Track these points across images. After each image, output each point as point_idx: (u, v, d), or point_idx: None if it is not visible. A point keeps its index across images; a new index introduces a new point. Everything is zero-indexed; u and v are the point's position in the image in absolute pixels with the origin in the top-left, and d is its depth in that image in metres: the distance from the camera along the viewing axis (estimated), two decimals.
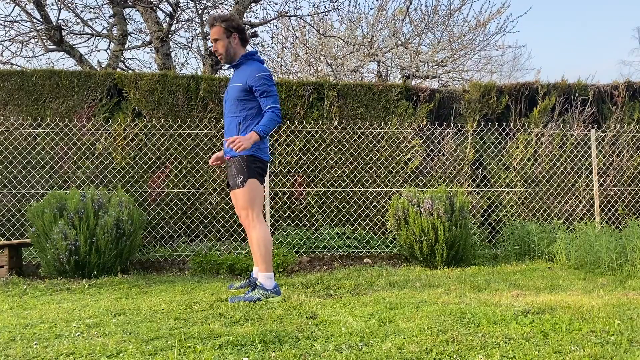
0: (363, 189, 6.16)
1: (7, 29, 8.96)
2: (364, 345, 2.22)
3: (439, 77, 11.42)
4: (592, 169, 6.31)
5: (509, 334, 2.35)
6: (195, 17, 9.56)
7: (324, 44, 10.68)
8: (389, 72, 11.47)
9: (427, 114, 6.46)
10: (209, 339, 2.31)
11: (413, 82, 10.16)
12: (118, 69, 9.38)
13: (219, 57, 3.58)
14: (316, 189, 6.08)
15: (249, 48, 3.78)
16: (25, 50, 11.34)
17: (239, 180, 3.39)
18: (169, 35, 9.08)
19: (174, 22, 9.23)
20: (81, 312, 3.02)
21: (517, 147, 6.50)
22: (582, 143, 6.49)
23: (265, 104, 3.35)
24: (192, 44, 10.46)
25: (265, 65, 3.56)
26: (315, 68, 11.17)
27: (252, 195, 3.40)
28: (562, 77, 7.81)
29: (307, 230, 5.97)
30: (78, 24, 9.55)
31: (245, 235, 5.72)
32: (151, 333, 2.45)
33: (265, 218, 5.66)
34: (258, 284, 3.38)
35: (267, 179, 5.67)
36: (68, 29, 9.50)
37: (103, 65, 9.26)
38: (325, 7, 15.81)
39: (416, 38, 10.86)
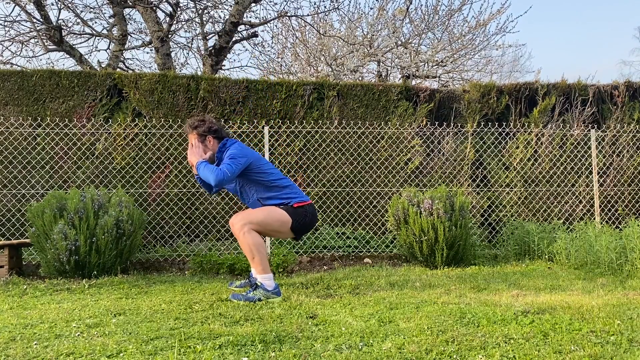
0: (363, 189, 6.16)
1: (7, 29, 8.97)
2: (364, 345, 2.22)
3: (439, 77, 11.42)
4: (592, 169, 6.31)
5: (509, 334, 2.35)
6: (195, 17, 9.56)
7: (324, 44, 10.68)
8: (389, 72, 11.47)
9: (427, 114, 6.46)
10: (209, 339, 2.31)
11: (413, 82, 10.16)
12: (118, 69, 9.38)
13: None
14: (316, 189, 6.08)
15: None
16: (25, 50, 11.35)
17: (278, 204, 3.49)
18: (169, 35, 9.08)
19: (174, 22, 9.23)
20: (81, 312, 3.02)
21: (517, 147, 6.50)
22: (582, 143, 6.49)
23: (225, 162, 3.41)
24: (192, 44, 10.47)
25: (238, 143, 3.59)
26: (315, 68, 11.17)
27: (272, 221, 3.43)
28: (562, 77, 7.81)
29: None
30: (78, 24, 9.56)
31: None
32: (151, 333, 2.45)
33: None
34: (259, 284, 3.38)
35: None
36: (68, 29, 9.50)
37: (103, 65, 9.26)
38: (325, 7, 15.82)
39: (416, 38, 10.86)
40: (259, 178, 3.50)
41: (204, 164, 3.41)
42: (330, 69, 10.63)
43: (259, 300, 3.28)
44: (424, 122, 6.41)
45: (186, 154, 5.86)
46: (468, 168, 6.39)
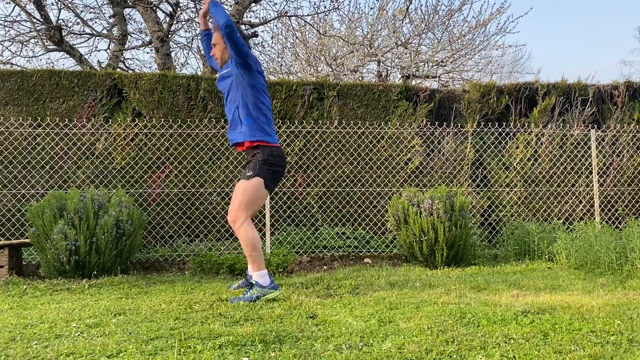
0: (363, 189, 6.16)
1: (7, 29, 8.96)
2: (364, 345, 2.22)
3: (439, 77, 11.42)
4: (592, 169, 6.31)
5: (509, 334, 2.35)
6: (195, 17, 9.55)
7: (324, 44, 10.68)
8: (389, 72, 11.47)
9: (427, 114, 6.46)
10: (209, 339, 2.31)
11: (413, 82, 10.16)
12: (118, 69, 9.38)
13: (215, 61, 3.62)
14: (316, 189, 6.08)
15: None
16: (25, 50, 11.35)
17: (247, 174, 3.42)
18: (169, 35, 9.07)
19: (174, 22, 9.23)
20: (81, 312, 3.02)
21: (517, 147, 6.50)
22: (582, 143, 6.49)
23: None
24: (192, 44, 10.47)
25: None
26: (315, 68, 11.17)
27: (251, 195, 3.41)
28: (562, 77, 7.80)
29: (307, 230, 5.97)
30: (78, 24, 9.55)
31: None
32: (151, 333, 2.45)
33: (265, 218, 5.66)
34: (254, 282, 3.37)
35: None
36: (68, 29, 9.50)
37: (103, 65, 9.26)
38: (325, 7, 15.82)
39: (416, 38, 10.86)
40: (256, 88, 3.45)
41: (219, 4, 3.36)
42: (330, 69, 10.63)
43: (257, 298, 3.28)
44: (424, 122, 6.41)
45: (186, 154, 5.87)
46: (468, 168, 6.39)
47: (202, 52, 9.72)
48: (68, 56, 9.26)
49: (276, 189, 6.02)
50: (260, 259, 3.41)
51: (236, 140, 3.51)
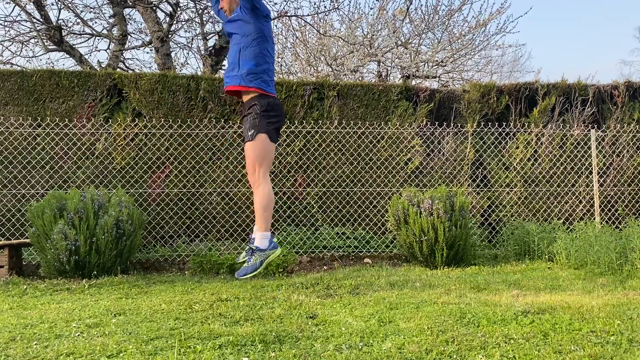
0: (363, 189, 6.16)
1: (7, 29, 8.96)
2: (364, 345, 2.22)
3: (439, 77, 11.41)
4: (592, 169, 6.31)
5: (509, 334, 2.35)
6: (195, 17, 9.56)
7: (324, 44, 10.68)
8: (389, 72, 11.47)
9: (427, 114, 6.46)
10: (209, 339, 2.31)
11: (413, 82, 10.16)
12: (118, 69, 9.38)
13: (225, 13, 3.56)
14: (316, 189, 6.08)
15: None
16: (25, 50, 11.35)
17: (249, 134, 3.37)
18: (169, 35, 9.07)
19: (174, 22, 9.23)
20: (81, 312, 3.02)
21: (517, 147, 6.50)
22: (582, 143, 6.49)
23: None
24: (192, 44, 10.47)
25: None
26: (315, 68, 11.17)
27: (260, 151, 3.32)
28: (562, 77, 7.80)
29: (307, 230, 5.97)
30: (78, 24, 9.55)
31: (245, 235, 5.73)
32: (151, 333, 2.45)
33: None
34: (254, 247, 3.33)
35: None
36: (68, 29, 9.50)
37: (103, 65, 9.26)
38: (325, 7, 15.81)
39: (416, 38, 10.85)
40: (262, 34, 3.34)
41: None
42: (330, 69, 10.63)
43: (261, 264, 3.20)
44: (424, 122, 6.41)
45: (186, 154, 5.87)
46: (468, 168, 6.39)
47: (202, 52, 9.73)
48: (68, 56, 9.26)
49: (276, 189, 6.03)
50: (269, 218, 3.33)
51: (231, 83, 3.36)
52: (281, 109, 3.47)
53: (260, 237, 3.31)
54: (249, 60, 3.33)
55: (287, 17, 9.80)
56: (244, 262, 3.63)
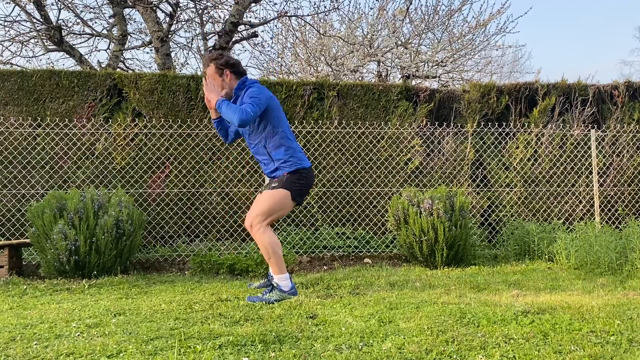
0: (363, 189, 6.16)
1: (7, 29, 8.96)
2: (364, 345, 2.22)
3: (439, 77, 11.42)
4: (592, 169, 6.31)
5: (509, 334, 2.35)
6: (195, 17, 9.56)
7: (324, 44, 10.68)
8: (389, 72, 11.47)
9: (427, 114, 6.46)
10: (209, 339, 2.31)
11: (413, 82, 10.16)
12: (118, 69, 9.38)
13: (224, 97, 3.54)
14: (316, 189, 6.08)
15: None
16: (25, 50, 11.34)
17: (272, 186, 3.39)
18: (169, 35, 9.07)
19: (174, 22, 9.23)
20: (81, 312, 3.02)
21: (517, 147, 6.50)
22: (582, 143, 6.49)
23: (246, 102, 3.30)
24: (192, 44, 10.47)
25: (258, 83, 3.49)
26: (315, 68, 11.17)
27: (274, 204, 3.35)
28: (562, 77, 7.80)
29: (307, 230, 5.97)
30: (78, 24, 9.56)
31: (245, 235, 5.73)
32: (151, 333, 2.45)
33: None
34: (274, 284, 3.37)
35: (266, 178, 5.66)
36: (68, 29, 9.50)
37: (103, 65, 9.26)
38: (325, 7, 15.83)
39: (416, 38, 10.85)
40: (272, 123, 3.38)
41: (225, 102, 3.30)
42: (330, 69, 10.63)
43: (276, 301, 3.26)
44: (424, 122, 6.41)
45: (186, 154, 5.87)
46: (468, 168, 6.39)
47: (202, 52, 9.73)
48: (68, 56, 9.26)
49: None
50: (281, 262, 3.38)
51: (276, 175, 3.46)
52: (311, 178, 3.51)
53: (279, 278, 3.37)
54: (277, 149, 3.40)
55: (287, 17, 9.80)
56: (259, 289, 3.66)
